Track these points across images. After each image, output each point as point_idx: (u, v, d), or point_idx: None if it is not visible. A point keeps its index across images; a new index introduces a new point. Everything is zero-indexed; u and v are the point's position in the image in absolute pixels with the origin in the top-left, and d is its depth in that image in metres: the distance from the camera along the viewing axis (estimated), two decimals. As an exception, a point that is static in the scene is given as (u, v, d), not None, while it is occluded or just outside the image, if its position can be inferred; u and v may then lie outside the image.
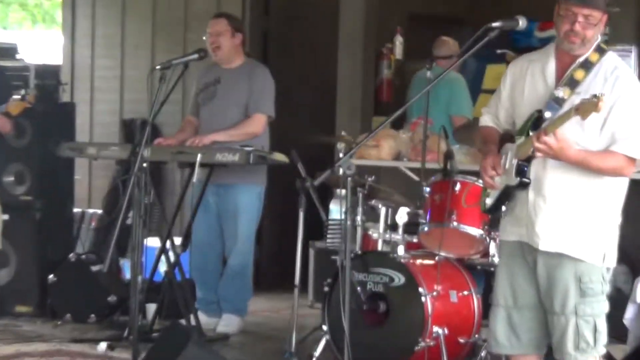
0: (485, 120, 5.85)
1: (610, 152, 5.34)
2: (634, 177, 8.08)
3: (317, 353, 7.51)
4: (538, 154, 5.30)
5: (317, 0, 11.03)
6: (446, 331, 7.19)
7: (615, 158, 5.34)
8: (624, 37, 9.21)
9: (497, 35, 5.60)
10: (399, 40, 11.19)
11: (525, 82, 5.62)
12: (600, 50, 5.47)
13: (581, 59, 5.42)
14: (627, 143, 5.33)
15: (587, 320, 5.43)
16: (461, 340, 7.32)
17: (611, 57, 5.48)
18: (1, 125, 8.64)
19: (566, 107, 5.30)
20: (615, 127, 5.32)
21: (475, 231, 7.15)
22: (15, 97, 8.49)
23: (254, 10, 10.94)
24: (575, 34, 5.35)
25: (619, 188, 5.56)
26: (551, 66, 5.53)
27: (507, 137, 5.66)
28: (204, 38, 8.96)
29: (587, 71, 5.41)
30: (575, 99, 5.27)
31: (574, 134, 5.31)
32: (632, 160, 5.38)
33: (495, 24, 5.58)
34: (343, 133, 8.98)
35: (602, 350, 5.59)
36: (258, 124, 8.75)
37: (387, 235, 7.79)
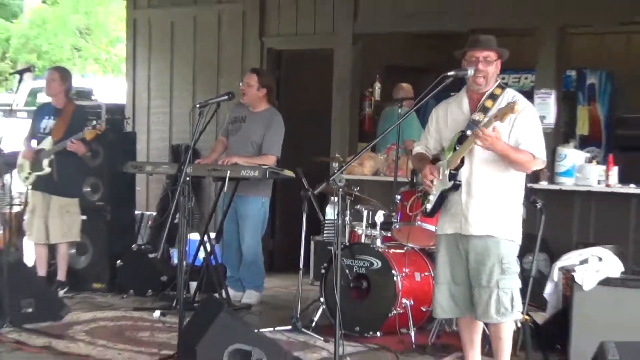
0: (418, 149, 6.12)
1: (522, 150, 5.68)
2: (551, 187, 8.65)
3: (316, 318, 7.71)
4: (479, 144, 5.53)
5: (317, 55, 10.89)
6: (412, 302, 7.47)
7: (526, 154, 5.69)
8: (546, 83, 9.24)
9: (451, 81, 5.74)
10: (377, 86, 11.16)
11: (447, 117, 5.93)
12: (502, 87, 5.84)
13: (488, 93, 5.77)
14: (532, 145, 5.69)
15: (506, 292, 5.73)
16: (423, 309, 7.54)
17: (510, 90, 5.88)
18: (77, 149, 8.67)
19: (482, 125, 5.60)
20: (519, 134, 5.69)
21: (433, 228, 6.92)
22: (88, 126, 8.61)
23: (269, 62, 10.96)
24: (480, 72, 5.72)
25: (521, 185, 5.88)
26: (465, 102, 5.87)
27: (434, 160, 5.95)
28: (240, 84, 8.98)
29: (494, 101, 5.75)
30: (485, 121, 5.61)
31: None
32: (535, 158, 5.72)
33: (450, 73, 5.74)
34: (336, 155, 9.33)
35: (518, 315, 5.89)
36: (268, 161, 8.65)
37: (368, 231, 7.99)
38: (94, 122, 8.77)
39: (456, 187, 5.81)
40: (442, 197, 5.91)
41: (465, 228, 5.83)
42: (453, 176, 5.79)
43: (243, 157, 8.72)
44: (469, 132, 5.71)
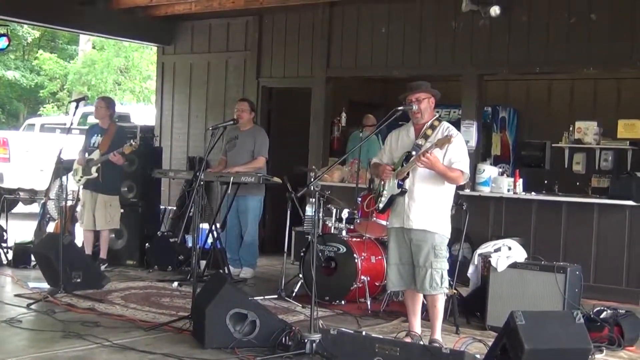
0: (375, 161, 6.17)
1: (454, 169, 5.73)
2: (473, 194, 8.63)
3: (296, 289, 7.71)
4: (421, 164, 5.64)
5: (299, 92, 10.84)
6: (368, 278, 7.45)
7: (456, 172, 5.74)
8: (469, 116, 9.25)
9: (400, 113, 5.86)
10: (343, 115, 11.17)
11: (398, 141, 5.98)
12: (439, 120, 5.91)
13: (428, 124, 5.84)
14: (460, 164, 5.74)
15: (437, 271, 5.78)
16: (377, 284, 7.55)
17: (445, 122, 5.91)
18: (117, 160, 8.69)
19: (423, 149, 5.69)
20: (452, 156, 5.73)
21: (385, 222, 6.96)
22: (127, 143, 8.64)
23: (263, 96, 10.96)
24: (416, 111, 5.83)
25: (450, 193, 5.92)
26: (411, 130, 5.94)
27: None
28: (235, 110, 8.95)
29: (433, 130, 5.82)
30: (426, 145, 5.70)
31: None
32: (463, 174, 5.77)
33: (399, 108, 5.86)
34: (313, 166, 9.21)
35: (444, 289, 5.91)
36: (260, 163, 8.73)
37: (337, 224, 7.95)
38: (131, 141, 8.74)
39: (403, 193, 5.87)
40: (391, 200, 5.95)
41: (407, 223, 5.87)
42: (400, 185, 5.87)
43: (242, 166, 8.71)
44: (413, 153, 5.79)
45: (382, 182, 6.06)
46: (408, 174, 5.83)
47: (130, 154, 8.82)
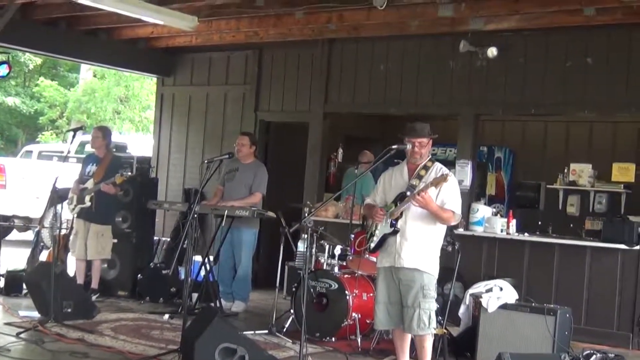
0: (368, 201, 6.18)
1: (447, 209, 5.78)
2: (466, 233, 8.66)
3: (287, 325, 7.65)
4: (416, 203, 5.70)
5: (296, 126, 10.88)
6: (360, 316, 7.41)
7: (448, 212, 5.79)
8: (465, 155, 9.32)
9: (396, 151, 5.97)
10: (340, 151, 11.32)
11: (392, 180, 6.02)
12: (432, 160, 5.96)
13: (422, 165, 5.90)
14: (452, 205, 5.80)
15: (425, 312, 5.78)
16: (368, 321, 7.42)
17: (438, 163, 5.96)
18: (108, 190, 8.68)
19: (417, 189, 5.74)
20: (444, 197, 5.78)
21: (376, 260, 6.44)
22: (119, 173, 8.59)
23: (261, 130, 10.97)
24: (415, 153, 5.88)
25: (441, 233, 5.96)
26: (405, 171, 5.98)
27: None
28: (235, 144, 8.99)
29: (427, 171, 5.87)
30: (421, 185, 5.74)
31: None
32: (454, 213, 5.82)
33: (394, 146, 5.95)
34: (307, 202, 9.28)
35: (432, 330, 5.91)
36: (256, 199, 8.74)
37: (329, 261, 7.92)
38: (123, 171, 8.74)
39: (395, 232, 5.91)
40: (383, 239, 5.98)
41: (398, 262, 5.89)
42: (393, 224, 5.90)
43: (238, 201, 8.70)
44: (408, 193, 5.82)
45: (375, 222, 6.08)
46: (401, 213, 5.86)
47: (123, 184, 8.79)
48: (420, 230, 5.87)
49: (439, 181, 5.69)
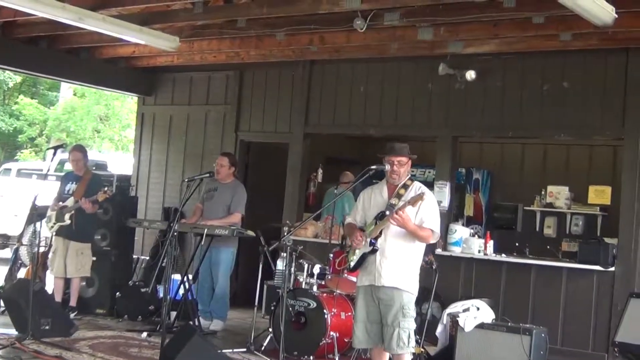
0: (349, 220, 6.21)
1: (425, 228, 5.83)
2: (444, 254, 8.72)
3: (265, 343, 7.69)
4: (394, 222, 5.72)
5: (276, 147, 10.94)
6: (338, 334, 7.45)
7: (427, 231, 5.83)
8: (443, 177, 9.38)
9: (375, 172, 6.02)
10: (320, 171, 11.33)
11: (371, 200, 6.04)
12: (411, 180, 6.00)
13: (401, 184, 5.93)
14: (431, 224, 5.84)
15: (404, 330, 5.79)
16: (346, 340, 7.47)
17: (417, 182, 6.02)
18: (87, 207, 8.72)
19: (397, 207, 5.76)
20: (423, 215, 5.82)
21: (355, 279, 6.60)
22: (101, 190, 8.64)
23: (241, 150, 11.02)
24: (394, 172, 5.91)
25: (421, 252, 5.98)
26: (385, 190, 6.00)
27: (359, 229, 6.06)
28: (214, 164, 9.05)
29: (406, 190, 5.91)
30: (401, 204, 5.77)
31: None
32: (433, 232, 5.86)
33: (373, 167, 6.00)
34: (287, 221, 9.33)
35: (411, 349, 5.92)
36: (236, 218, 8.76)
37: (308, 279, 7.93)
38: (106, 188, 8.76)
39: (374, 251, 5.91)
40: (363, 258, 5.98)
41: (378, 281, 5.89)
42: (373, 243, 5.90)
43: (217, 221, 8.71)
44: (387, 213, 5.85)
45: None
46: (381, 232, 5.88)
47: (105, 201, 8.81)
48: (400, 249, 5.90)
49: (416, 200, 5.73)
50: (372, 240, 5.90)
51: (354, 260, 6.04)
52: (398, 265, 5.89)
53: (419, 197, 5.73)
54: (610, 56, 8.51)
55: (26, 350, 6.96)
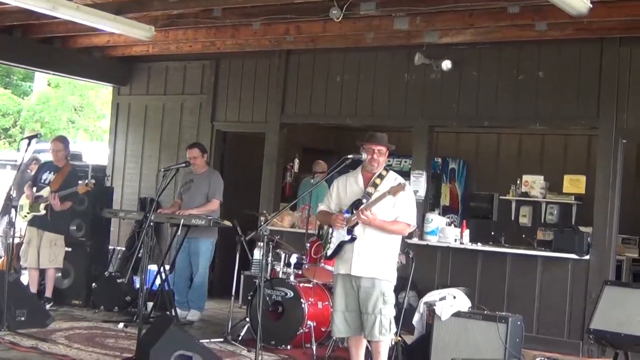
0: (322, 208, 6.20)
1: (398, 222, 5.88)
2: (421, 243, 8.76)
3: (242, 333, 7.69)
4: (360, 221, 5.78)
5: (252, 136, 10.97)
6: (315, 324, 7.48)
7: (400, 224, 5.90)
8: (419, 166, 9.37)
9: (351, 161, 6.02)
10: (296, 161, 11.34)
11: (346, 188, 6.05)
12: (387, 169, 6.02)
13: (377, 173, 5.96)
14: (407, 217, 5.89)
15: (385, 317, 5.85)
16: (323, 329, 7.54)
17: (392, 172, 6.05)
18: (56, 205, 8.66)
19: (374, 196, 5.82)
20: (400, 207, 5.86)
21: (332, 268, 6.54)
22: (81, 183, 8.60)
23: (217, 140, 11.00)
24: (374, 160, 5.93)
25: (397, 242, 6.03)
26: (360, 179, 6.02)
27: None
28: (187, 156, 8.94)
29: (382, 179, 5.94)
30: (376, 193, 5.81)
31: (380, 210, 5.82)
32: (409, 225, 5.93)
33: (349, 156, 6.00)
34: (263, 211, 9.28)
35: (392, 335, 6.03)
36: (214, 205, 8.78)
37: (285, 269, 7.98)
38: (86, 181, 8.70)
39: (353, 239, 5.93)
40: (340, 246, 5.99)
41: (356, 270, 5.91)
42: (350, 232, 5.91)
43: (196, 209, 8.71)
44: (364, 201, 5.88)
45: (330, 229, 6.11)
46: (357, 222, 5.89)
47: (84, 194, 8.78)
48: (377, 238, 5.92)
49: (397, 190, 5.76)
50: (350, 229, 5.91)
51: (330, 248, 6.05)
52: (375, 254, 5.91)
53: (399, 187, 5.76)
54: (585, 46, 8.57)
55: (1, 341, 6.94)
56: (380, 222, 5.84)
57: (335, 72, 10.15)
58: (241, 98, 10.93)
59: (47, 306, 8.65)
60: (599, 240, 8.32)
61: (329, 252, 6.08)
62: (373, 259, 5.90)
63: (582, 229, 8.77)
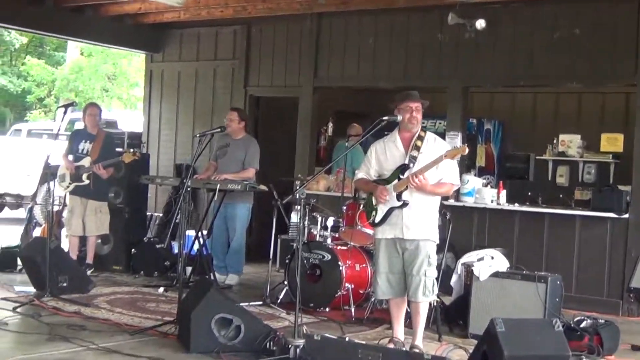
0: (361, 175, 6.17)
1: (443, 183, 5.89)
2: (457, 204, 8.74)
3: (281, 296, 7.75)
4: (411, 186, 5.76)
5: (286, 101, 10.92)
6: (353, 286, 7.49)
7: (446, 185, 5.92)
8: (454, 127, 9.35)
9: (385, 123, 5.96)
10: (330, 125, 11.38)
11: (385, 152, 6.01)
12: (424, 130, 5.99)
13: (416, 135, 5.92)
14: (451, 177, 5.89)
15: (429, 278, 5.87)
16: (361, 291, 7.59)
17: (430, 133, 6.02)
18: (103, 174, 8.78)
19: (420, 160, 5.80)
20: (443, 168, 5.84)
21: (370, 231, 7.09)
22: (128, 152, 8.66)
23: (250, 105, 10.99)
24: (413, 118, 5.89)
25: (438, 202, 6.04)
26: (398, 141, 5.98)
27: (374, 182, 6.06)
28: (224, 119, 9.01)
29: (422, 141, 5.90)
30: (420, 156, 5.81)
31: (427, 175, 5.82)
32: (453, 185, 5.96)
33: (384, 118, 5.95)
34: (299, 175, 9.30)
35: (434, 296, 6.09)
36: (250, 173, 8.73)
37: (322, 232, 7.97)
38: (132, 149, 8.78)
39: (404, 205, 5.91)
40: (389, 212, 5.96)
41: (406, 233, 5.93)
42: (400, 197, 5.89)
43: (231, 174, 8.70)
44: (411, 165, 5.87)
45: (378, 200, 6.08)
46: (407, 186, 5.87)
47: (130, 163, 8.85)
48: (424, 201, 5.94)
49: (455, 152, 5.76)
50: (398, 194, 5.90)
51: (379, 215, 6.03)
52: (423, 217, 5.94)
53: (461, 150, 5.76)
54: (621, 3, 8.39)
55: (45, 307, 7.04)
56: (431, 187, 5.86)
57: (368, 35, 10.08)
58: (274, 63, 10.91)
59: (88, 272, 8.74)
60: (638, 198, 8.23)
61: (377, 219, 6.05)
62: (420, 221, 5.92)
63: (620, 187, 8.66)
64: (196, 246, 8.73)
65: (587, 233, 8.44)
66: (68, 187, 8.94)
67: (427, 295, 5.90)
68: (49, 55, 28.70)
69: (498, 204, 8.85)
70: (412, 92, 6.05)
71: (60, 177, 8.95)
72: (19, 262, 8.77)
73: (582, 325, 6.45)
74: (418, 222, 5.91)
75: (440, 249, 7.17)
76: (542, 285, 6.49)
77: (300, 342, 5.53)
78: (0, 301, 7.31)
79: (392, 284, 6.03)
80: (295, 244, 7.43)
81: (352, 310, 7.37)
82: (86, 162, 8.86)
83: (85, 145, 8.99)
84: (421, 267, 5.87)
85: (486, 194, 8.91)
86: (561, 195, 9.50)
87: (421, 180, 5.73)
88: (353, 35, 10.23)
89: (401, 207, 5.89)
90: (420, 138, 5.96)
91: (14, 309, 6.91)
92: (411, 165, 5.85)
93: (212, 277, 8.43)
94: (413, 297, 5.94)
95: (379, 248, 6.11)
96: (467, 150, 5.77)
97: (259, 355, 5.60)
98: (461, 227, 8.36)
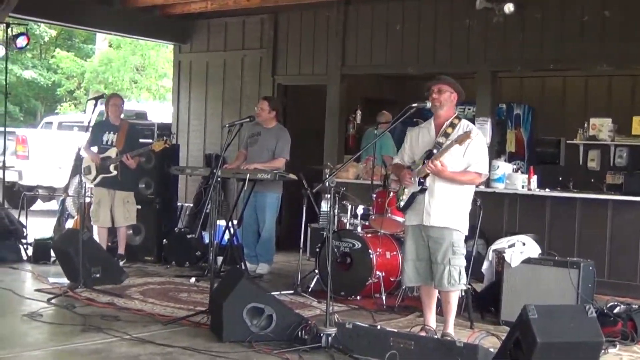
0: (396, 161, 6.16)
1: (468, 172, 5.79)
2: (488, 190, 8.67)
3: (312, 285, 7.75)
4: (429, 171, 5.71)
5: (314, 89, 10.89)
6: (383, 274, 7.48)
7: (471, 174, 5.80)
8: (484, 113, 9.30)
9: (414, 111, 5.89)
10: (358, 113, 11.32)
11: (418, 138, 5.96)
12: (459, 118, 5.89)
13: (449, 122, 5.84)
14: (477, 166, 5.79)
15: (455, 268, 5.81)
16: (392, 279, 7.56)
17: (465, 121, 5.91)
18: (131, 164, 8.79)
19: (445, 146, 5.70)
20: (470, 156, 5.75)
21: (400, 219, 7.11)
22: (159, 140, 8.70)
23: (279, 94, 10.95)
24: (435, 100, 5.81)
25: (470, 192, 5.94)
26: (432, 128, 5.92)
27: (407, 168, 6.01)
28: (255, 108, 9.03)
29: (453, 128, 5.82)
30: (448, 142, 5.70)
31: (450, 160, 5.73)
32: (480, 174, 5.84)
33: (414, 105, 5.86)
34: (328, 163, 9.31)
35: (462, 286, 5.96)
36: (280, 163, 8.68)
37: (352, 220, 7.97)
38: (164, 138, 8.78)
39: (423, 190, 5.88)
40: (412, 197, 5.94)
41: (427, 220, 5.88)
42: (421, 183, 5.86)
43: (261, 164, 8.69)
44: (435, 151, 5.79)
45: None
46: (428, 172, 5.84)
47: (160, 151, 8.90)
48: (448, 189, 5.85)
49: (463, 139, 5.62)
50: (421, 180, 5.86)
51: (403, 200, 6.01)
52: (447, 205, 5.86)
53: (466, 135, 5.63)
54: (653, -17, 8.29)
55: (79, 298, 7.10)
56: (449, 173, 5.77)
57: (395, 21, 10.03)
58: (301, 51, 10.91)
59: (121, 263, 8.80)
60: (671, 182, 8.13)
61: (402, 204, 6.03)
62: (443, 209, 5.85)
63: (653, 171, 8.56)
64: (227, 236, 8.76)
65: (620, 217, 8.35)
66: (95, 179, 8.96)
67: (452, 284, 5.84)
68: (78, 47, 28.88)
69: (529, 189, 8.79)
70: (438, 76, 6.02)
71: (85, 169, 8.97)
72: (52, 254, 8.83)
73: (616, 311, 6.39)
74: (440, 210, 5.84)
75: (471, 235, 7.15)
76: (574, 271, 6.43)
77: (332, 330, 5.54)
78: (34, 293, 7.40)
79: (419, 271, 6.01)
80: (325, 233, 7.43)
81: (383, 298, 7.36)
82: (112, 153, 8.89)
83: (109, 137, 9.00)
84: (445, 256, 5.82)
85: (517, 180, 8.85)
86: (593, 180, 9.40)
87: (437, 166, 5.66)
88: (380, 22, 10.18)
89: (420, 192, 5.86)
90: (453, 125, 5.88)
91: (48, 300, 6.98)
92: (434, 151, 5.80)
93: (243, 267, 8.44)
94: (439, 286, 5.92)
95: (407, 235, 6.11)
96: (472, 136, 5.64)
97: (291, 344, 5.60)
98: (492, 214, 8.28)
